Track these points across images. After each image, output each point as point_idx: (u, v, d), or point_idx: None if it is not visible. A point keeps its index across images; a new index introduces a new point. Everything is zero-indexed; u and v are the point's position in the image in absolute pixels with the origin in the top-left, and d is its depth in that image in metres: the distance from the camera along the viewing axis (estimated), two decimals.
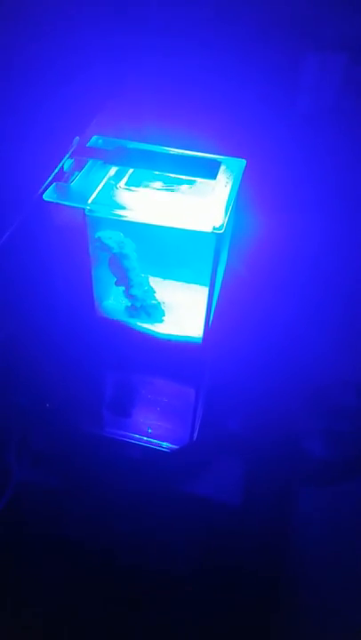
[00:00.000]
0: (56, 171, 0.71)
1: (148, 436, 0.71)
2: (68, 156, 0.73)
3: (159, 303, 0.81)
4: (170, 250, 0.79)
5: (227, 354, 0.83)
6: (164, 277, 0.87)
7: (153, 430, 0.73)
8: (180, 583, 0.56)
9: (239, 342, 0.84)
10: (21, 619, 0.52)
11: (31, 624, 0.51)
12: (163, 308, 0.82)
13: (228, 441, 0.73)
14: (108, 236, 0.71)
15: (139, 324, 0.81)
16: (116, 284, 0.78)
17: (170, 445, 0.71)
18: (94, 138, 0.78)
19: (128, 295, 0.79)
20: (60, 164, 0.71)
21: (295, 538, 0.62)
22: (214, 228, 0.63)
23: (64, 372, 0.81)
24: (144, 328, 0.81)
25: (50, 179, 0.69)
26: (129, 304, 0.81)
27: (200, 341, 0.79)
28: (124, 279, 0.77)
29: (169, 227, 0.65)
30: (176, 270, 0.86)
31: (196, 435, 0.75)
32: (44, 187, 0.68)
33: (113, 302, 0.84)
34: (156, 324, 0.81)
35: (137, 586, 0.56)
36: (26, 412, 0.75)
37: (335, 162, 0.88)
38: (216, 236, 0.64)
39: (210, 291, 0.72)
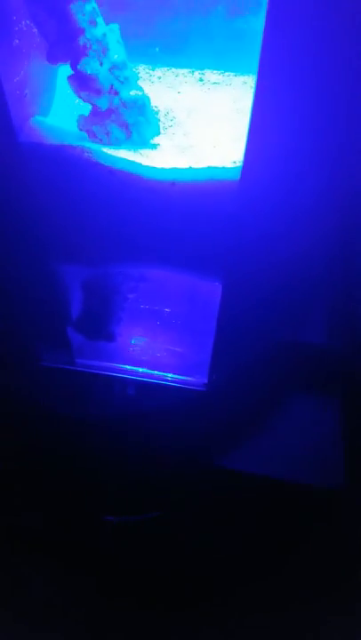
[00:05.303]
0: None
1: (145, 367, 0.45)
2: None
3: (149, 102, 0.39)
4: None
5: (282, 199, 0.41)
6: (154, 64, 0.45)
7: (153, 357, 0.48)
8: None
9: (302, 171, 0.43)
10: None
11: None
12: (157, 117, 0.40)
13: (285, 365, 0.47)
14: None
15: (107, 150, 0.39)
16: (50, 59, 0.36)
17: (185, 379, 0.45)
18: None
19: (79, 79, 0.37)
20: None
21: None
22: None
23: None
24: (121, 160, 0.39)
25: None
26: (86, 110, 0.39)
27: (237, 178, 0.38)
28: (66, 34, 0.34)
29: None
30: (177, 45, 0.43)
31: (225, 360, 0.47)
32: None
33: (52, 117, 0.42)
34: (145, 151, 0.40)
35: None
36: None
37: None
38: None
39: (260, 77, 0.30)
